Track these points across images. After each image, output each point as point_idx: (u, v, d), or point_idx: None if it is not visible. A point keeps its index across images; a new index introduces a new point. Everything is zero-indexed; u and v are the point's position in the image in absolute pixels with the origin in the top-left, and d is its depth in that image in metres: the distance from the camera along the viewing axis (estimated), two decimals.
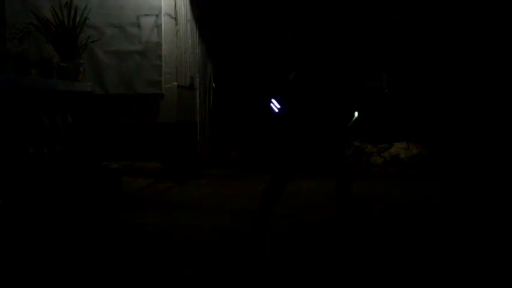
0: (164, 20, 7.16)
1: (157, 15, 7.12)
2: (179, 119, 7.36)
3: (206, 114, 8.81)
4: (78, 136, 5.42)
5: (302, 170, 5.23)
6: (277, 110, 6.03)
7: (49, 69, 5.16)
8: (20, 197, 4.39)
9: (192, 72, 8.09)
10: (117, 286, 3.37)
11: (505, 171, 7.34)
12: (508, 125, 8.49)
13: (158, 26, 7.12)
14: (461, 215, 5.29)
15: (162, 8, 7.14)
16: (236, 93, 10.05)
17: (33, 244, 4.04)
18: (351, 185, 4.46)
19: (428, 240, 4.32)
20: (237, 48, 9.89)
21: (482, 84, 9.05)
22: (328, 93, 4.47)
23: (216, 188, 7.03)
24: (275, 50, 9.69)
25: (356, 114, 4.61)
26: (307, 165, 5.01)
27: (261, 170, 8.38)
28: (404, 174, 8.18)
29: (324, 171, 5.15)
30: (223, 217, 5.19)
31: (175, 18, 7.41)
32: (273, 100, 6.11)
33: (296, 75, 4.59)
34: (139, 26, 7.12)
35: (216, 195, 6.50)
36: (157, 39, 7.12)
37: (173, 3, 7.35)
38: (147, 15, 7.11)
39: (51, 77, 5.17)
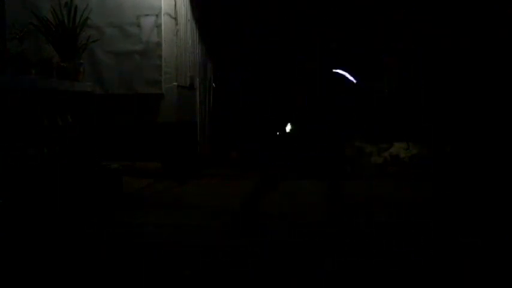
0: (164, 20, 7.16)
1: (157, 15, 7.12)
2: (179, 119, 7.36)
3: (206, 114, 8.81)
4: (78, 136, 5.42)
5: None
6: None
7: (49, 69, 5.17)
8: (20, 197, 4.39)
9: (192, 72, 8.09)
10: (118, 286, 3.37)
11: (505, 170, 7.33)
12: (508, 125, 8.49)
13: (158, 26, 7.12)
14: (461, 214, 5.29)
15: (162, 8, 7.14)
16: (236, 93, 10.06)
17: (33, 244, 4.04)
18: (344, 185, 4.44)
19: (428, 240, 4.32)
20: (237, 48, 9.89)
21: (482, 84, 9.04)
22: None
23: (216, 188, 7.02)
24: (275, 49, 9.70)
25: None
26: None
27: (261, 170, 8.39)
28: (404, 174, 8.17)
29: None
30: (224, 217, 5.19)
31: (175, 18, 7.41)
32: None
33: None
34: (139, 26, 7.12)
35: (216, 195, 6.49)
36: (157, 39, 7.12)
37: (173, 3, 7.35)
38: (147, 15, 7.11)
39: (51, 77, 5.17)
